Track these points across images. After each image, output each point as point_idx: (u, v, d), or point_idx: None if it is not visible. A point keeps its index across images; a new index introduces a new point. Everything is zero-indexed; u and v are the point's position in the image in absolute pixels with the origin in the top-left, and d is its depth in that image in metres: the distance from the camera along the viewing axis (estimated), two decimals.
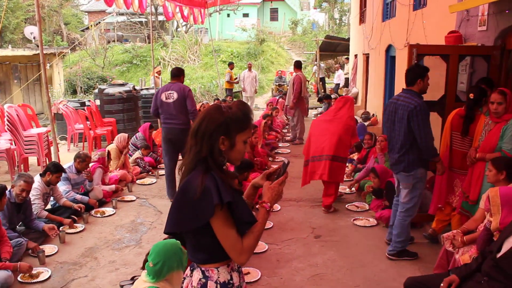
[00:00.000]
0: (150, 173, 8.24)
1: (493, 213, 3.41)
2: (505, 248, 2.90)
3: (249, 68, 16.32)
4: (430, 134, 4.37)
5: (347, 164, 7.12)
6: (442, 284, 3.05)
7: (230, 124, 2.02)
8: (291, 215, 6.16)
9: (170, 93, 6.52)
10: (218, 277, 2.09)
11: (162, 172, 7.93)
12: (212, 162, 2.02)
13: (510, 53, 5.16)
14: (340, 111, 6.42)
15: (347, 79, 18.46)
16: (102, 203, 6.52)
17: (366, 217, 6.01)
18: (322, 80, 20.61)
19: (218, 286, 2.09)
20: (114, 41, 29.98)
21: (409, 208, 4.68)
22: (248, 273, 4.45)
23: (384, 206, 5.86)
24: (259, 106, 17.43)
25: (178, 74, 6.85)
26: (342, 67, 20.36)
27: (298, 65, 11.19)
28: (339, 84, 18.77)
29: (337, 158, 6.12)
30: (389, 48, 10.69)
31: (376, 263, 4.76)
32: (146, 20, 28.67)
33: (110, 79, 19.66)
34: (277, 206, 6.39)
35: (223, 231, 1.98)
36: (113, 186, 6.93)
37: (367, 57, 13.64)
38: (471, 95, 4.55)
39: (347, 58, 19.63)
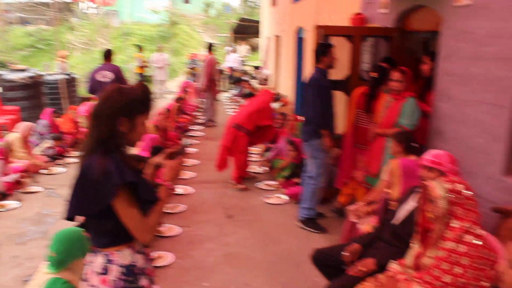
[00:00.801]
0: (58, 161, 7.80)
1: (394, 183, 3.60)
2: (401, 216, 3.08)
3: (160, 50, 15.93)
4: (319, 107, 4.62)
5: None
6: (345, 253, 3.18)
7: (130, 105, 2.00)
8: (204, 197, 6.14)
9: (105, 73, 7.39)
10: (122, 260, 2.05)
11: (71, 160, 7.59)
12: (112, 144, 1.98)
13: (408, 34, 5.45)
14: (259, 98, 6.74)
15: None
16: (3, 196, 6.08)
17: (277, 195, 6.13)
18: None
19: (122, 269, 2.04)
20: (14, 23, 27.91)
21: (312, 176, 4.92)
22: (161, 257, 4.38)
23: (295, 183, 6.01)
24: (171, 90, 17.10)
25: (109, 55, 7.76)
26: (236, 50, 20.41)
27: (210, 48, 11.09)
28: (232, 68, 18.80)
29: (242, 128, 6.26)
30: (299, 30, 10.89)
31: (288, 239, 4.88)
32: (51, 1, 26.98)
33: (11, 65, 18.32)
34: (190, 189, 6.35)
35: (127, 212, 1.96)
36: (15, 175, 6.48)
37: (278, 39, 13.82)
38: (374, 74, 4.76)
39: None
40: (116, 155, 1.97)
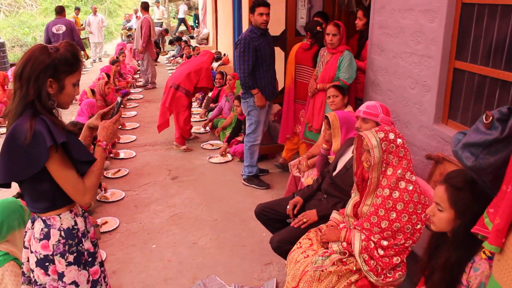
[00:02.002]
0: None
1: (334, 135, 3.69)
2: (339, 167, 3.19)
3: (94, 12, 15.23)
4: (245, 68, 4.68)
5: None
6: (288, 206, 3.27)
7: (58, 66, 1.92)
8: (147, 160, 6.08)
9: (59, 26, 8.69)
10: (61, 224, 2.02)
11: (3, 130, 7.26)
12: (40, 106, 1.90)
13: None
14: (199, 58, 6.64)
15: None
16: None
17: (222, 153, 6.14)
18: (182, 20, 20.09)
19: (62, 233, 2.02)
20: None
21: (249, 133, 5.02)
22: (106, 222, 4.34)
23: (238, 141, 6.04)
24: (108, 53, 16.49)
25: (61, 10, 9.03)
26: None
27: (145, 7, 10.69)
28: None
29: (180, 88, 6.20)
30: None
31: (233, 196, 4.95)
32: None
33: None
34: (132, 153, 6.25)
35: (62, 174, 1.91)
36: None
37: None
38: (319, 28, 4.78)
39: None
40: (46, 117, 1.89)
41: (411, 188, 2.46)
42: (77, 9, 15.69)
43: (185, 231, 4.27)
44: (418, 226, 2.48)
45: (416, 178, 2.56)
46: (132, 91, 10.36)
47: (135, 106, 9.05)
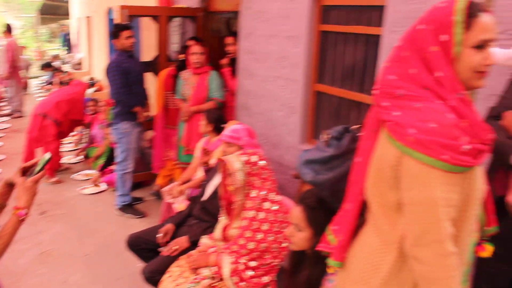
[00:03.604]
0: None
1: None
2: (208, 191, 3.18)
3: None
4: (120, 90, 4.57)
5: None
6: (159, 235, 3.18)
7: None
8: (13, 195, 5.59)
9: None
10: None
11: None
12: None
13: (213, 14, 5.58)
14: (71, 88, 6.45)
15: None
16: None
17: (95, 183, 5.86)
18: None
19: None
20: None
21: (120, 161, 4.86)
22: None
23: (111, 170, 5.81)
24: None
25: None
26: None
27: (9, 29, 9.98)
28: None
29: (48, 116, 5.89)
30: (109, 11, 10.42)
31: (106, 228, 4.72)
32: None
33: None
34: None
35: None
36: None
37: (89, 20, 13.08)
38: (182, 56, 4.79)
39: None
40: None
41: (275, 208, 2.51)
42: None
43: (54, 269, 3.96)
44: (285, 245, 2.54)
45: (282, 198, 2.63)
46: None
47: (1, 137, 8.36)
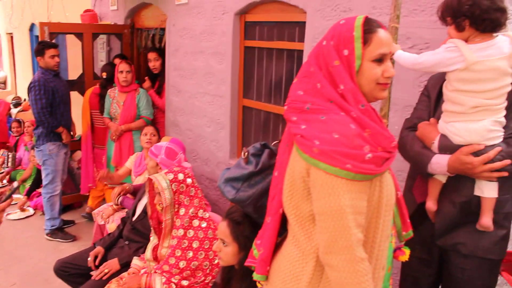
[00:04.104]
0: None
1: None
2: (138, 211, 3.15)
3: None
4: (42, 110, 4.43)
5: None
6: (89, 258, 3.10)
7: None
8: None
9: None
10: None
11: None
12: None
13: (138, 31, 5.54)
14: None
15: None
16: None
17: (21, 208, 5.61)
18: None
19: None
20: None
21: (47, 184, 4.72)
22: None
23: (39, 194, 5.59)
24: None
25: None
26: None
27: None
28: None
29: None
30: (32, 26, 10.08)
31: (34, 255, 4.52)
32: None
33: None
34: None
35: None
36: None
37: (11, 37, 12.53)
38: (104, 74, 4.72)
39: None
40: None
41: (204, 225, 2.53)
42: None
43: None
44: (216, 261, 2.55)
45: (211, 214, 2.65)
46: None
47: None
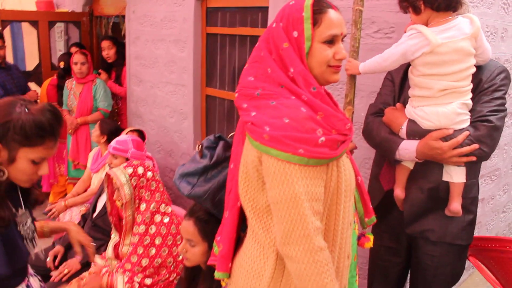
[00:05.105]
0: None
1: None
2: (99, 207, 3.02)
3: None
4: None
5: None
6: (48, 258, 2.97)
7: (9, 129, 1.41)
8: None
9: None
10: None
11: None
12: None
13: (97, 19, 5.34)
14: None
15: None
16: None
17: None
18: None
19: None
20: None
21: None
22: None
23: None
24: None
25: None
26: None
27: None
28: None
29: None
30: None
31: None
32: None
33: None
34: None
35: None
36: None
37: None
38: (61, 64, 4.51)
39: None
40: None
41: (167, 220, 2.43)
42: None
43: None
44: (181, 257, 2.46)
45: (174, 208, 2.55)
46: None
47: None
